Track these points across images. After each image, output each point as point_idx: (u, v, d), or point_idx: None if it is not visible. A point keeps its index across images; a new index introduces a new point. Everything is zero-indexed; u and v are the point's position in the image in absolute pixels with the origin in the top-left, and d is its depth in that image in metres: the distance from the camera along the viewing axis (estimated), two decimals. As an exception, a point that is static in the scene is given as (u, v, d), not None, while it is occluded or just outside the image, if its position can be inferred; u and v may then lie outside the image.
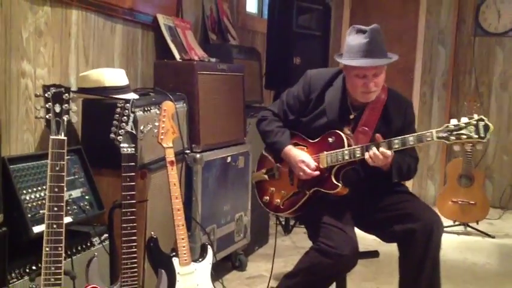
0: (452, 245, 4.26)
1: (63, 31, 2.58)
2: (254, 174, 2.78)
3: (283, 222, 4.36)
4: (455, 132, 2.22)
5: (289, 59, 4.23)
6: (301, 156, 2.50)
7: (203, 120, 3.06)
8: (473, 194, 4.53)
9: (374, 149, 2.33)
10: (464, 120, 2.22)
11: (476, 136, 2.19)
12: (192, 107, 3.00)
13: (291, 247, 3.97)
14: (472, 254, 4.10)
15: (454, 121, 2.25)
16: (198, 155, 2.97)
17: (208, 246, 2.45)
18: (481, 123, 2.18)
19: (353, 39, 2.43)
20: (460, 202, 4.55)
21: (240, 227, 3.47)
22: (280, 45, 4.28)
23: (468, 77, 5.52)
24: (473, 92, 5.31)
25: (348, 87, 2.51)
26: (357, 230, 2.63)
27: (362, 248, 2.82)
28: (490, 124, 2.19)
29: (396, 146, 2.32)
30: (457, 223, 4.62)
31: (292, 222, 4.43)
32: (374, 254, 2.78)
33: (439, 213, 4.15)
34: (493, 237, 4.51)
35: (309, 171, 2.46)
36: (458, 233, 4.58)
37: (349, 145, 2.43)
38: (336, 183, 2.44)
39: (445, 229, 4.32)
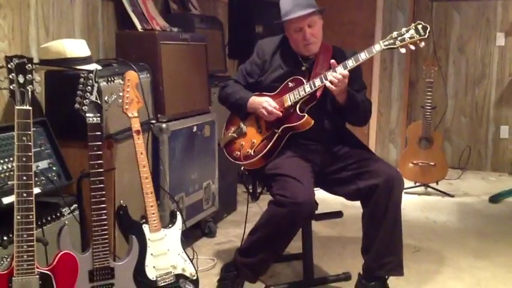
0: (414, 204, 4.41)
1: (22, 2, 2.55)
2: (222, 138, 2.86)
3: (251, 190, 4.44)
4: (399, 38, 2.52)
5: (251, 27, 4.25)
6: (264, 98, 2.70)
7: (167, 90, 3.08)
8: (432, 155, 4.68)
9: (333, 73, 2.52)
10: (404, 28, 2.53)
11: (418, 36, 2.50)
12: (155, 77, 3.01)
13: (259, 213, 3.99)
14: (432, 212, 4.25)
15: (395, 32, 2.54)
16: (164, 125, 3.00)
17: (178, 213, 2.50)
18: (419, 26, 2.51)
19: (284, 1, 2.70)
20: (420, 164, 4.70)
21: (208, 194, 3.52)
22: (242, 14, 4.30)
23: (426, 42, 5.59)
24: (431, 56, 5.42)
25: (292, 45, 2.75)
26: (322, 192, 2.74)
27: (327, 210, 2.93)
28: (427, 25, 2.50)
29: (351, 64, 2.54)
30: (417, 184, 4.77)
31: (259, 190, 4.51)
32: (338, 214, 2.90)
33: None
34: (453, 196, 4.67)
35: (270, 108, 2.63)
36: (419, 194, 4.73)
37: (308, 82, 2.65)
38: (301, 114, 2.61)
39: (406, 190, 4.52)
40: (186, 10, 4.05)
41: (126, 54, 3.03)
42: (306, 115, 2.60)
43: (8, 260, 1.93)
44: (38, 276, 1.74)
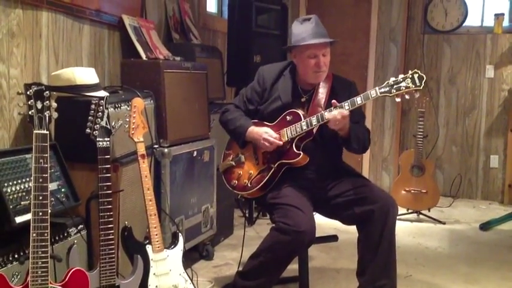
0: (406, 231, 4.51)
1: (34, 32, 2.68)
2: (221, 164, 2.96)
3: (247, 215, 4.53)
4: (395, 86, 2.55)
5: (249, 57, 4.40)
6: (264, 129, 2.77)
7: (170, 116, 3.19)
8: (424, 183, 4.80)
9: (333, 110, 2.59)
10: (401, 76, 2.55)
11: (413, 86, 2.53)
12: (159, 104, 3.13)
13: (255, 237, 4.13)
14: (424, 239, 4.35)
15: (393, 78, 2.57)
16: (166, 150, 3.10)
17: (180, 234, 2.59)
18: (416, 75, 2.53)
19: (300, 28, 2.76)
20: (412, 191, 4.82)
21: (207, 218, 3.61)
22: (240, 44, 4.46)
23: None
24: (423, 87, 5.57)
25: (300, 71, 2.83)
26: (318, 216, 2.84)
27: (323, 235, 3.02)
28: (423, 75, 2.52)
29: (347, 108, 2.60)
30: (410, 211, 4.88)
31: (255, 214, 4.61)
32: (333, 238, 3.00)
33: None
34: (444, 223, 4.78)
35: (272, 139, 2.70)
36: (411, 220, 4.83)
37: (305, 118, 2.70)
38: (297, 151, 2.69)
39: (399, 216, 4.60)
40: (187, 40, 4.20)
41: (130, 81, 3.15)
42: (302, 154, 2.69)
43: (18, 276, 2.03)
44: (51, 291, 1.83)
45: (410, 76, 2.53)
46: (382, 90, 2.57)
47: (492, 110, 5.65)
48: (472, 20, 5.72)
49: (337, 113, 2.56)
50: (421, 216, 4.89)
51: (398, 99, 2.58)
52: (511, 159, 5.52)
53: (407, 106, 5.85)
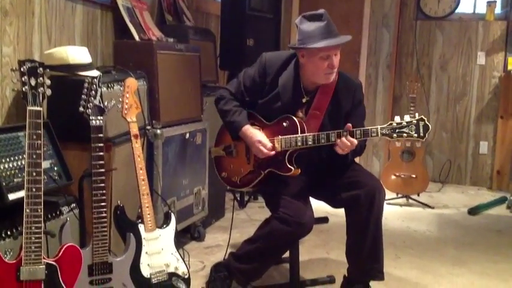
0: (396, 215, 4.56)
1: (27, 11, 2.67)
2: (213, 149, 2.95)
3: (238, 198, 4.55)
4: (397, 130, 2.44)
5: (242, 40, 4.40)
6: (258, 136, 2.65)
7: (163, 97, 3.20)
8: (414, 168, 4.85)
9: (343, 138, 2.48)
10: (406, 118, 2.45)
11: (416, 135, 2.43)
12: (151, 85, 3.13)
13: (246, 220, 4.17)
14: (413, 223, 4.40)
15: (397, 118, 2.47)
16: (158, 131, 3.09)
17: (172, 214, 2.61)
18: (421, 123, 2.41)
19: (309, 26, 2.54)
20: (402, 176, 4.86)
21: (198, 200, 3.63)
22: (233, 27, 4.45)
23: (410, 59, 5.84)
24: (415, 73, 5.61)
25: (308, 72, 2.63)
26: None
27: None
28: (429, 124, 2.42)
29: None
30: (399, 195, 4.93)
31: (246, 198, 4.63)
32: (324, 220, 3.04)
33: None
34: (433, 208, 4.83)
35: (265, 151, 2.62)
36: (400, 205, 4.88)
37: (302, 130, 2.59)
38: (290, 167, 2.62)
39: (388, 201, 4.66)
40: (180, 22, 4.18)
41: (123, 62, 3.14)
42: (293, 169, 2.61)
43: (11, 253, 2.04)
44: (44, 266, 1.85)
45: (415, 122, 2.42)
46: (384, 132, 2.45)
47: (483, 96, 5.69)
48: (465, 7, 5.74)
49: (349, 145, 2.48)
50: (410, 200, 4.93)
51: (398, 144, 2.50)
52: (500, 145, 5.57)
53: (398, 92, 5.88)
